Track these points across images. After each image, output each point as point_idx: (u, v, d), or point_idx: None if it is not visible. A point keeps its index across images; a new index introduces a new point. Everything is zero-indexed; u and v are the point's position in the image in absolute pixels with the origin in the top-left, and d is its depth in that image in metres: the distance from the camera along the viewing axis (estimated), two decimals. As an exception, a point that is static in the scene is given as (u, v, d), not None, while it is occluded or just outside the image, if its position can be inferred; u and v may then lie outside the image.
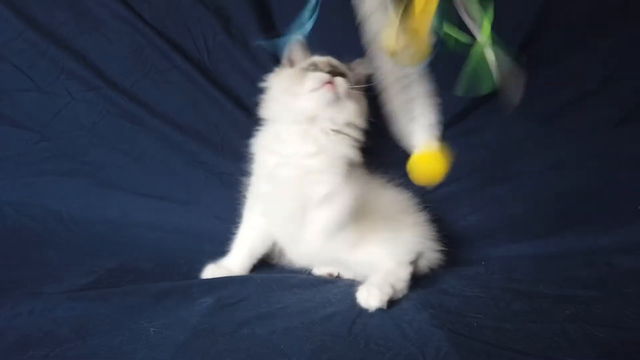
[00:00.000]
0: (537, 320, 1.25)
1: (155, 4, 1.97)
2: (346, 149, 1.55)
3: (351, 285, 1.41)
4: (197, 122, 1.99)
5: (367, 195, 1.48)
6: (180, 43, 1.98)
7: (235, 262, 1.62)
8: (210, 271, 1.56)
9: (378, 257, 1.47)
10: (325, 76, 1.49)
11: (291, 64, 1.65)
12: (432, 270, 1.62)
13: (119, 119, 1.98)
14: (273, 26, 1.92)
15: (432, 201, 1.78)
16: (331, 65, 1.57)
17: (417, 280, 1.52)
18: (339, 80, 1.50)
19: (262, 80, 1.70)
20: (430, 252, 1.60)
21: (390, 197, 1.63)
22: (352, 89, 1.54)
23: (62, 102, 1.97)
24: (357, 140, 1.60)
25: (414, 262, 1.51)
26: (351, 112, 1.55)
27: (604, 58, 1.90)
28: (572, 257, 1.76)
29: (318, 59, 1.62)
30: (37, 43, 1.93)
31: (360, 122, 1.60)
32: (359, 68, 1.64)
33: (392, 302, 1.34)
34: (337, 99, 1.51)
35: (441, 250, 1.65)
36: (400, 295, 1.39)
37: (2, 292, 1.39)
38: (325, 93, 1.49)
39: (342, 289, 1.46)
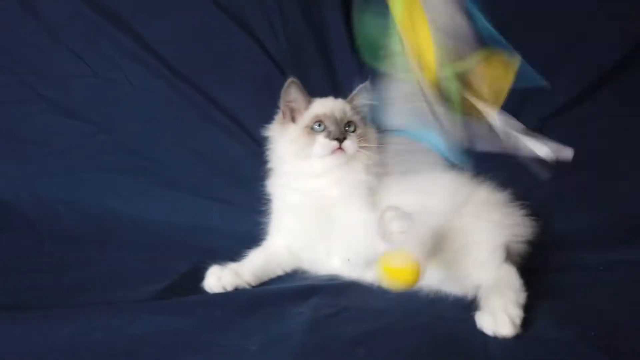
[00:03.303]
0: None
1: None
2: (362, 175, 1.57)
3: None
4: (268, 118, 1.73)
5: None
6: (255, 28, 1.85)
7: (245, 269, 1.47)
8: (215, 274, 1.41)
9: (463, 268, 1.33)
10: (334, 144, 1.52)
11: (292, 112, 1.61)
12: (521, 257, 1.46)
13: (185, 112, 1.87)
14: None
15: (537, 199, 1.61)
16: (336, 119, 1.56)
17: (534, 288, 1.30)
18: (347, 145, 1.53)
19: (265, 129, 1.63)
20: (516, 241, 1.44)
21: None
22: (361, 140, 1.57)
23: (122, 91, 1.86)
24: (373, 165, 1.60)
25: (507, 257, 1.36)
26: (361, 162, 1.57)
27: None
28: None
29: (321, 110, 1.58)
30: (94, 24, 1.82)
31: (371, 154, 1.58)
32: (360, 99, 1.63)
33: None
34: (346, 161, 1.55)
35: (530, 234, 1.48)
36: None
37: (70, 299, 1.29)
38: (335, 159, 1.53)
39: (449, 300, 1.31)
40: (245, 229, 1.67)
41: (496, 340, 1.09)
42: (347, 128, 1.56)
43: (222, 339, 1.08)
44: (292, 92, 1.58)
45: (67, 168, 1.87)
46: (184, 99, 1.85)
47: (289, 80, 1.56)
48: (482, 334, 1.11)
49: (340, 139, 1.52)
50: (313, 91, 1.77)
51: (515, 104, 1.63)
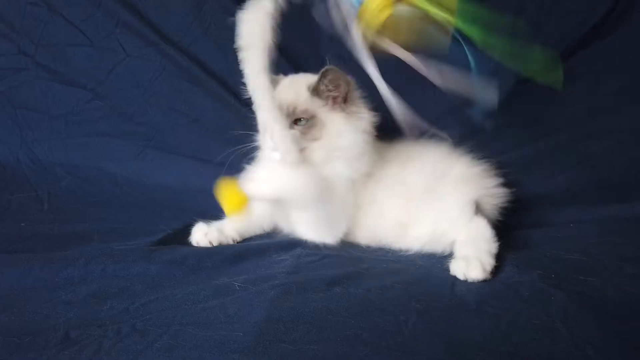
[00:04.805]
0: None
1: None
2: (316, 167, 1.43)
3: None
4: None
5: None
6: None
7: (230, 226, 1.49)
8: (201, 230, 1.43)
9: (439, 228, 1.39)
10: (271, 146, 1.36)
11: None
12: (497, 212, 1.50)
13: (176, 78, 1.88)
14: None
15: (517, 159, 1.69)
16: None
17: (505, 241, 1.37)
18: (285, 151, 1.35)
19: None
20: (488, 195, 1.48)
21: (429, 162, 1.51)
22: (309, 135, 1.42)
23: (116, 59, 1.88)
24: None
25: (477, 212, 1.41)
26: (314, 157, 1.43)
27: None
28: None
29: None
30: (90, -7, 1.82)
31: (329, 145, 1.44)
32: (323, 83, 1.42)
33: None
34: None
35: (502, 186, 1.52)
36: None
37: (70, 245, 1.32)
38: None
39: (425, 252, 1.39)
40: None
41: (461, 282, 1.16)
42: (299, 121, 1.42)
43: (211, 281, 1.13)
44: None
45: (64, 133, 1.89)
46: (175, 66, 1.87)
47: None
48: (452, 277, 1.18)
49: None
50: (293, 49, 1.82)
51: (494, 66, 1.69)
